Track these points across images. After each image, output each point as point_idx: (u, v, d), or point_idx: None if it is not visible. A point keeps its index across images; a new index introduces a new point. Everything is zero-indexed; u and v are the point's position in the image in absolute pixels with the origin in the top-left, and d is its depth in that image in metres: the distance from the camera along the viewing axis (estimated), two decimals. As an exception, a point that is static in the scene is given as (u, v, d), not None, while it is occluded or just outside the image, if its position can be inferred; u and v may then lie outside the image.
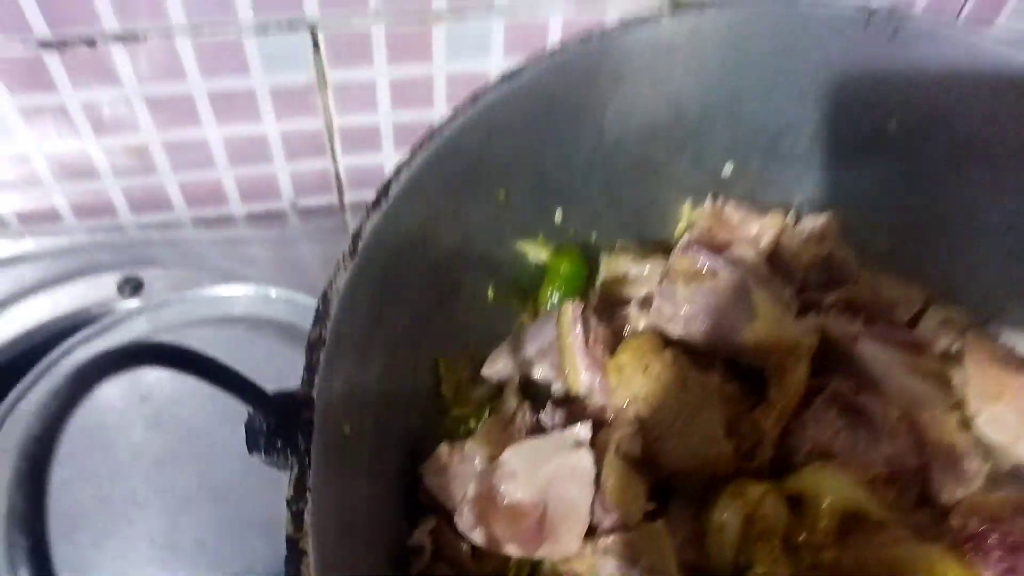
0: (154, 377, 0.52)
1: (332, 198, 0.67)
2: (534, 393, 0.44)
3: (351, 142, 0.62)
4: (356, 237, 0.35)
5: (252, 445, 0.28)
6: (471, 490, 0.36)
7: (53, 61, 0.52)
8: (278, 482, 0.47)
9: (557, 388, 0.43)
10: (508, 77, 0.41)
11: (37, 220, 0.63)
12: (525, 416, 0.42)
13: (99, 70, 0.53)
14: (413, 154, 0.38)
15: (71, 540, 0.45)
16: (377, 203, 0.36)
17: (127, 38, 0.51)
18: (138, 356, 0.22)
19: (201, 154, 0.60)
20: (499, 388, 0.44)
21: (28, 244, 0.63)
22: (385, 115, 0.60)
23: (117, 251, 0.63)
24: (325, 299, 0.33)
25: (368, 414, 0.35)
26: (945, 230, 0.48)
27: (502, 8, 0.55)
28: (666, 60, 0.45)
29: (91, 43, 0.51)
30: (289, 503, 0.28)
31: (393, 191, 0.36)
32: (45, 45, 0.51)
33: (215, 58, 0.54)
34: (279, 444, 0.28)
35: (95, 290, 0.60)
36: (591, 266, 0.49)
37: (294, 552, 0.27)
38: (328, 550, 0.27)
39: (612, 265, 0.49)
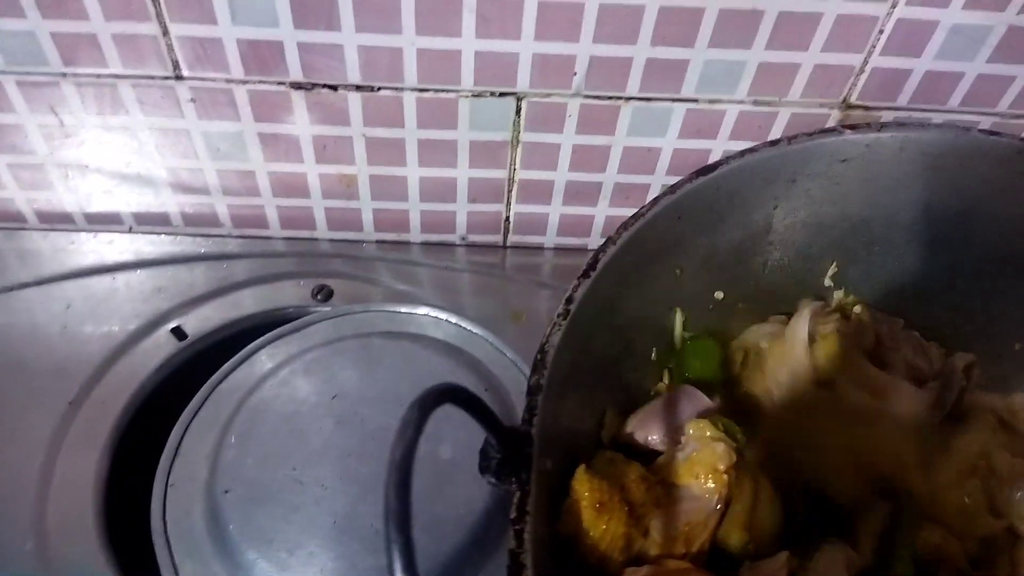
0: (345, 377, 0.60)
1: (497, 238, 0.74)
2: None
3: (526, 194, 0.69)
4: (569, 301, 0.41)
5: (485, 468, 0.35)
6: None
7: (298, 98, 0.61)
8: (442, 488, 0.54)
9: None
10: (703, 171, 0.47)
11: (248, 225, 0.73)
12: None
13: (334, 111, 0.62)
14: (619, 232, 0.44)
15: (265, 510, 0.52)
16: (586, 273, 0.42)
17: (364, 88, 0.60)
18: (448, 396, 0.28)
19: (399, 189, 0.68)
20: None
21: (235, 244, 0.74)
22: (561, 175, 0.68)
23: (310, 261, 0.72)
24: (543, 351, 0.39)
25: (559, 453, 0.41)
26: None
27: (687, 96, 0.61)
28: (840, 168, 0.51)
29: (334, 88, 0.60)
30: (513, 522, 0.34)
31: (600, 263, 0.43)
32: (296, 86, 0.60)
33: (430, 113, 0.62)
34: (506, 472, 0.35)
35: (293, 292, 0.69)
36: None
37: (516, 565, 0.32)
38: (540, 567, 0.33)
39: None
